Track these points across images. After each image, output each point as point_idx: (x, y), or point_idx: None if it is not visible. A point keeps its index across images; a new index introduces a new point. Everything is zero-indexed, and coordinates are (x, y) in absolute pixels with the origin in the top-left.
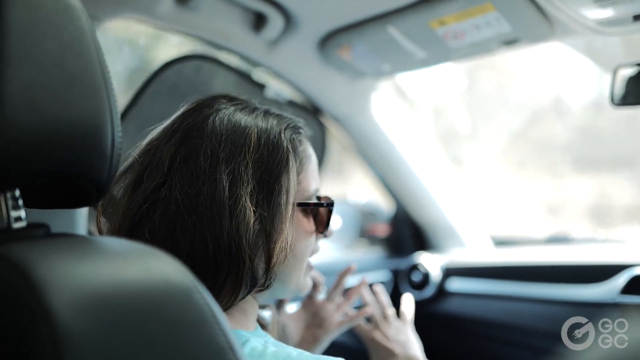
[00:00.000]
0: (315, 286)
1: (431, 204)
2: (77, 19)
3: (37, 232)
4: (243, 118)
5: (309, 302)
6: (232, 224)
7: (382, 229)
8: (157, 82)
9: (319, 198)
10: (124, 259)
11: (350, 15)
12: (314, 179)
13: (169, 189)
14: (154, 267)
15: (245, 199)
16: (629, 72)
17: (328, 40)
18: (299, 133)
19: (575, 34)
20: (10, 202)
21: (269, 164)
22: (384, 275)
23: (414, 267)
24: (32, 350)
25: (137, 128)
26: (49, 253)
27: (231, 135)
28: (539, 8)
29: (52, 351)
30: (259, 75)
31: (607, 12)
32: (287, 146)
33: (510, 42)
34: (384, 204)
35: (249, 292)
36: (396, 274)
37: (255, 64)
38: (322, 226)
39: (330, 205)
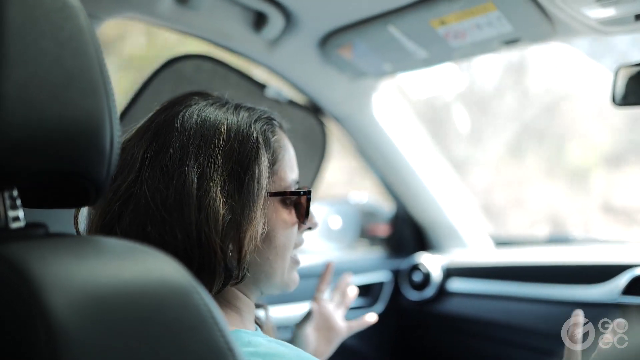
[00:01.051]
0: (319, 288)
1: (432, 204)
2: (75, 17)
3: (35, 232)
4: (213, 112)
5: (318, 306)
6: (201, 215)
7: (383, 229)
8: (156, 81)
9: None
10: (122, 259)
11: (351, 14)
12: (290, 169)
13: (140, 185)
14: (153, 268)
15: (215, 190)
16: (630, 71)
17: (329, 40)
18: (272, 124)
19: (577, 34)
20: (8, 202)
21: (239, 154)
22: (384, 275)
23: (415, 267)
24: (29, 350)
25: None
26: (47, 253)
27: (200, 129)
28: (540, 7)
29: (49, 351)
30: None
31: (609, 12)
32: (257, 137)
33: (511, 41)
34: (384, 204)
35: (224, 284)
36: (397, 274)
37: (255, 63)
38: (302, 216)
39: (307, 193)
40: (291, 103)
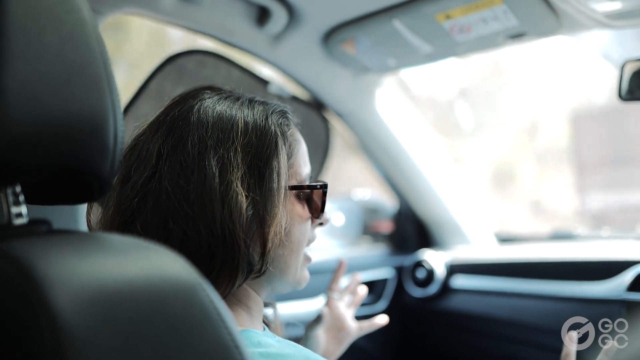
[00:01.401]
0: (331, 287)
1: (435, 201)
2: (77, 11)
3: (38, 228)
4: (228, 106)
5: (330, 306)
6: (225, 210)
7: (386, 226)
8: (159, 77)
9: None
10: (127, 256)
11: (355, 9)
12: (305, 163)
13: (158, 180)
14: (158, 264)
15: (237, 184)
16: (636, 66)
17: (332, 35)
18: (287, 118)
19: (583, 28)
20: (11, 198)
21: (258, 148)
22: (387, 272)
23: (418, 264)
24: (34, 347)
25: (139, 123)
26: (50, 250)
27: (218, 122)
28: (546, 1)
29: (54, 349)
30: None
31: (616, 5)
32: (275, 130)
33: (517, 36)
34: (387, 201)
35: (246, 279)
36: (400, 271)
37: (258, 58)
38: (316, 211)
39: (323, 187)
40: (294, 99)
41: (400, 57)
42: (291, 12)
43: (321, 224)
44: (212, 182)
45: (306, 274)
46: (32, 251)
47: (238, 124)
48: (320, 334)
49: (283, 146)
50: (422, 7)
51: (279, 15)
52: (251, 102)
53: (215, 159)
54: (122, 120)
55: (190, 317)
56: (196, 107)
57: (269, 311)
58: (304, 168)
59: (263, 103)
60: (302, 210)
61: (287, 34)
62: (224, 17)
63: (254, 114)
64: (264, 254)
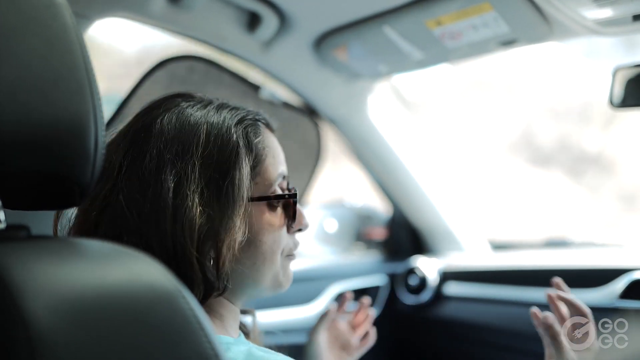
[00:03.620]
0: (340, 306)
1: (428, 208)
2: (61, 16)
3: (16, 233)
4: (193, 115)
5: (332, 326)
6: (177, 225)
7: (379, 233)
8: (148, 83)
9: (287, 190)
10: (106, 262)
11: (346, 15)
12: (275, 168)
13: (116, 194)
14: (138, 271)
15: (192, 199)
16: (628, 73)
17: (323, 41)
18: (255, 125)
19: (574, 34)
20: None
21: (218, 160)
22: (380, 279)
23: (411, 271)
24: (8, 354)
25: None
26: (28, 255)
27: (179, 135)
28: (537, 8)
29: (28, 356)
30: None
31: (606, 12)
32: (237, 140)
33: (508, 42)
34: (380, 207)
35: (205, 296)
36: (393, 278)
37: (249, 64)
38: (289, 219)
39: (292, 196)
40: (285, 105)
41: (391, 63)
42: (282, 17)
43: (300, 230)
44: (167, 197)
45: (289, 275)
46: (9, 257)
47: (200, 136)
48: (324, 346)
49: (246, 156)
50: (413, 13)
51: (270, 21)
52: (220, 108)
53: (172, 174)
54: (103, 126)
55: (170, 324)
56: (160, 117)
57: (247, 319)
58: (274, 173)
59: (233, 109)
60: (274, 218)
61: (278, 39)
62: (215, 23)
63: (218, 122)
64: (218, 269)
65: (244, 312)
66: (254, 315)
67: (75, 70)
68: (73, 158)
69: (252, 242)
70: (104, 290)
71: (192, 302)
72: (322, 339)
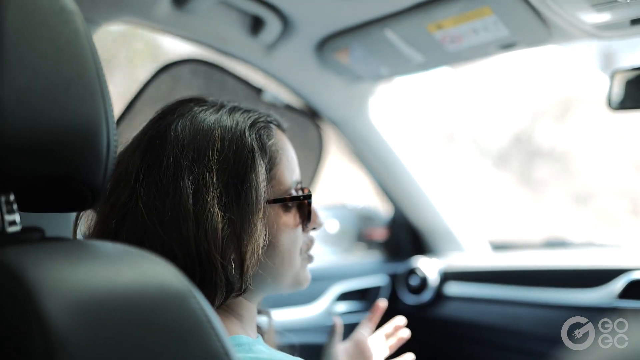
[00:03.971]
0: (364, 324)
1: (429, 208)
2: (72, 22)
3: (31, 236)
4: (207, 119)
5: (357, 338)
6: (200, 231)
7: (380, 233)
8: (153, 86)
9: (300, 190)
10: (119, 264)
11: (348, 18)
12: (290, 171)
13: (135, 201)
14: (150, 272)
15: (212, 204)
16: (626, 76)
17: (326, 44)
18: (268, 127)
19: (573, 38)
20: (4, 206)
21: (235, 164)
22: (381, 279)
23: (412, 272)
24: (26, 355)
25: (133, 133)
26: (43, 257)
27: (193, 140)
28: (536, 12)
29: (45, 355)
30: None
31: (605, 16)
32: (252, 144)
33: (507, 46)
34: (381, 208)
35: (226, 298)
36: (394, 278)
37: (252, 67)
38: (305, 218)
39: (307, 197)
40: (288, 107)
41: (393, 66)
42: (285, 21)
43: (314, 228)
44: (187, 203)
45: (307, 275)
46: (25, 259)
47: (215, 141)
48: (340, 351)
49: (261, 160)
50: (414, 17)
51: (273, 25)
52: (232, 111)
53: (190, 180)
54: (115, 130)
55: (182, 325)
56: (174, 124)
57: (262, 319)
58: (290, 176)
59: (245, 112)
60: (289, 219)
61: (281, 43)
62: (218, 26)
63: (232, 126)
64: (242, 273)
65: (259, 312)
66: (269, 316)
67: (87, 75)
68: (85, 161)
69: (270, 245)
70: (116, 291)
71: (202, 302)
72: (339, 350)
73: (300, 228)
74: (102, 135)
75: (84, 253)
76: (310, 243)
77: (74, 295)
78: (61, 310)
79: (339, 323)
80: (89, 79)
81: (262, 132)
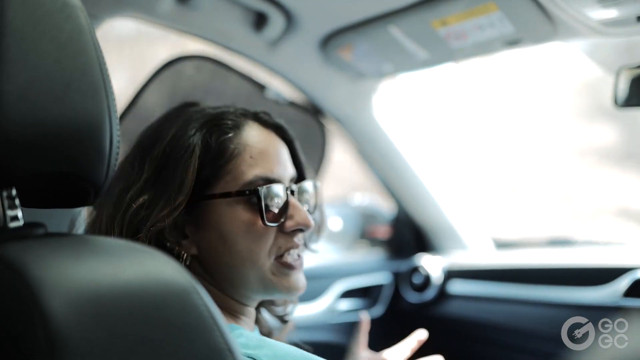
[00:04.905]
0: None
1: (432, 206)
2: (75, 18)
3: (33, 231)
4: (177, 123)
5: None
6: (118, 214)
7: (383, 231)
8: (156, 82)
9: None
10: (121, 259)
11: (352, 15)
12: (250, 166)
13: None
14: (152, 268)
15: (137, 191)
16: (633, 73)
17: (329, 41)
18: (221, 124)
19: (579, 35)
20: (6, 202)
21: (168, 160)
22: (384, 277)
23: (415, 270)
24: (28, 350)
25: (136, 128)
26: (45, 253)
27: (153, 138)
28: (542, 8)
29: (48, 352)
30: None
31: (611, 13)
32: (191, 141)
33: (513, 42)
34: (385, 206)
35: None
36: (397, 276)
37: (256, 63)
38: (262, 217)
39: (253, 193)
40: (291, 104)
41: (396, 63)
42: (289, 17)
43: (301, 230)
44: (116, 188)
45: (293, 282)
46: (27, 254)
47: (164, 139)
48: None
49: (199, 156)
50: (418, 13)
51: (277, 21)
52: (203, 112)
53: (131, 169)
54: (118, 127)
55: (185, 320)
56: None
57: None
58: (249, 172)
59: (213, 109)
60: (244, 215)
61: (284, 39)
62: (222, 22)
63: (184, 127)
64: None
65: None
66: (281, 320)
67: (90, 71)
68: (88, 158)
69: (225, 241)
70: (119, 287)
71: (205, 297)
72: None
73: (262, 226)
74: (105, 132)
75: (87, 249)
76: (288, 245)
77: (77, 291)
78: (64, 306)
79: (366, 321)
80: (92, 75)
81: (214, 129)
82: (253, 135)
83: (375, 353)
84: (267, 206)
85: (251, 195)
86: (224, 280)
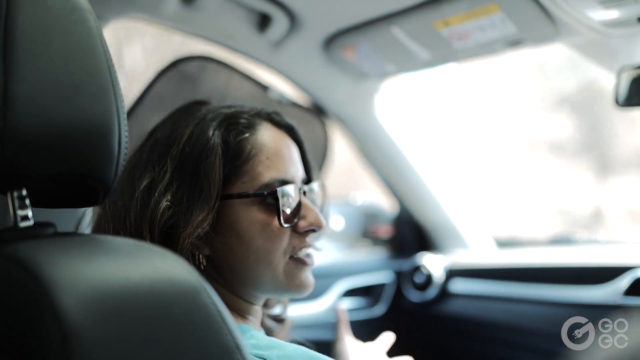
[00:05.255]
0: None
1: (434, 205)
2: (85, 21)
3: (44, 231)
4: (190, 121)
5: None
6: (144, 217)
7: (385, 230)
8: (161, 82)
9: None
10: (131, 259)
11: (355, 15)
12: (267, 168)
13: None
14: (162, 267)
15: (161, 194)
16: (634, 73)
17: (332, 41)
18: (238, 124)
19: (580, 35)
20: (17, 202)
21: (191, 160)
22: (386, 276)
23: (417, 268)
24: (41, 348)
25: (141, 128)
26: (56, 252)
27: (168, 138)
28: (543, 9)
29: (61, 350)
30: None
31: (612, 14)
32: (212, 141)
33: (514, 43)
34: (387, 205)
35: None
36: (399, 275)
37: (259, 64)
38: (278, 217)
39: (271, 194)
40: (294, 105)
41: (399, 63)
42: (292, 18)
43: (313, 230)
44: (138, 191)
45: (302, 280)
46: (38, 253)
47: (182, 139)
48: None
49: (222, 156)
50: (421, 14)
51: (280, 22)
52: (217, 111)
53: (149, 171)
54: (126, 127)
55: (194, 319)
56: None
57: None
58: (266, 173)
59: (227, 109)
60: (261, 215)
61: (288, 40)
62: (226, 23)
63: (202, 126)
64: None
65: (276, 319)
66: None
67: (99, 73)
68: (98, 158)
69: (242, 241)
70: (131, 286)
71: (214, 296)
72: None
73: (282, 228)
74: (114, 133)
75: (97, 248)
76: (302, 245)
77: (89, 291)
78: (77, 305)
79: (344, 314)
80: (101, 77)
81: (231, 128)
82: (268, 135)
83: (361, 342)
84: (282, 207)
85: (268, 196)
86: (236, 280)
